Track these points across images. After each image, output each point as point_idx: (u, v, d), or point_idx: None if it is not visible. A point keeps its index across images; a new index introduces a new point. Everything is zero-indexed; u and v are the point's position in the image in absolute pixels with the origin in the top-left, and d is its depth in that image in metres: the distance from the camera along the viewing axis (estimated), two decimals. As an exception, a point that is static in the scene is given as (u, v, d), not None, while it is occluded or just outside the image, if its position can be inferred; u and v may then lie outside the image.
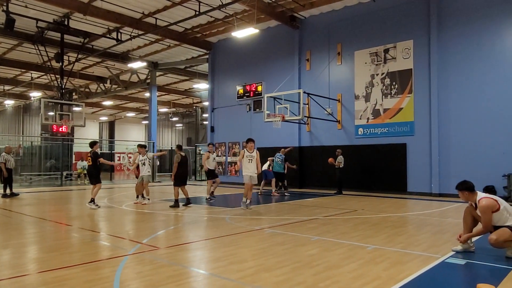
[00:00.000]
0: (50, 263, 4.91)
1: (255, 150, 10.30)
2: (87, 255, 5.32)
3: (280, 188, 14.73)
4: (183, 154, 10.82)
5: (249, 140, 10.30)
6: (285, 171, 14.69)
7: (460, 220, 5.67)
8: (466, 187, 5.36)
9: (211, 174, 12.61)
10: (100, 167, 10.93)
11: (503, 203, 5.17)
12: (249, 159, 10.20)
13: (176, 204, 10.50)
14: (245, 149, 10.38)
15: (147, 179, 11.39)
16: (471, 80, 13.39)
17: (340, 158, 14.52)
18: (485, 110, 13.06)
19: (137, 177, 11.92)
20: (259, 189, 14.83)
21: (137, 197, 11.58)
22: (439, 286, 4.18)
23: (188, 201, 10.74)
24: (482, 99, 13.14)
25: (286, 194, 14.53)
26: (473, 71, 13.36)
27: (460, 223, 5.76)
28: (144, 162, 11.42)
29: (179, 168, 10.69)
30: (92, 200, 10.37)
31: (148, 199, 11.41)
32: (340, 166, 14.50)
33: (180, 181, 10.78)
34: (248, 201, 10.19)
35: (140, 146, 11.85)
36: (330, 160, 14.55)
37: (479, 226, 5.27)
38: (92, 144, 10.82)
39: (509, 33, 12.78)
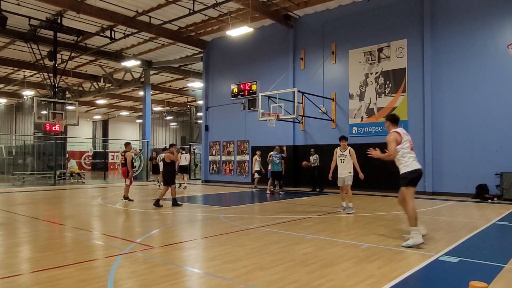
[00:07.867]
0: (43, 262, 4.87)
1: (348, 148, 9.40)
2: (81, 254, 5.29)
3: (275, 186, 14.78)
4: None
5: (342, 138, 9.43)
6: (283, 170, 14.79)
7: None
8: (390, 118, 6.14)
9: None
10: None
11: (406, 144, 5.78)
12: (341, 159, 9.43)
13: (175, 203, 10.34)
14: (338, 148, 9.48)
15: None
16: (464, 79, 13.48)
17: (316, 157, 15.26)
18: (478, 109, 13.16)
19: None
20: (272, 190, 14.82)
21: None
22: (432, 284, 4.21)
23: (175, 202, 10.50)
24: (475, 98, 13.23)
25: (280, 192, 14.55)
26: (466, 70, 13.45)
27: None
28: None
29: (168, 167, 10.51)
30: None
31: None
32: (317, 164, 15.20)
33: (171, 180, 10.56)
34: (350, 205, 9.39)
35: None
36: (304, 163, 14.94)
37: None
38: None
39: (501, 32, 12.87)
